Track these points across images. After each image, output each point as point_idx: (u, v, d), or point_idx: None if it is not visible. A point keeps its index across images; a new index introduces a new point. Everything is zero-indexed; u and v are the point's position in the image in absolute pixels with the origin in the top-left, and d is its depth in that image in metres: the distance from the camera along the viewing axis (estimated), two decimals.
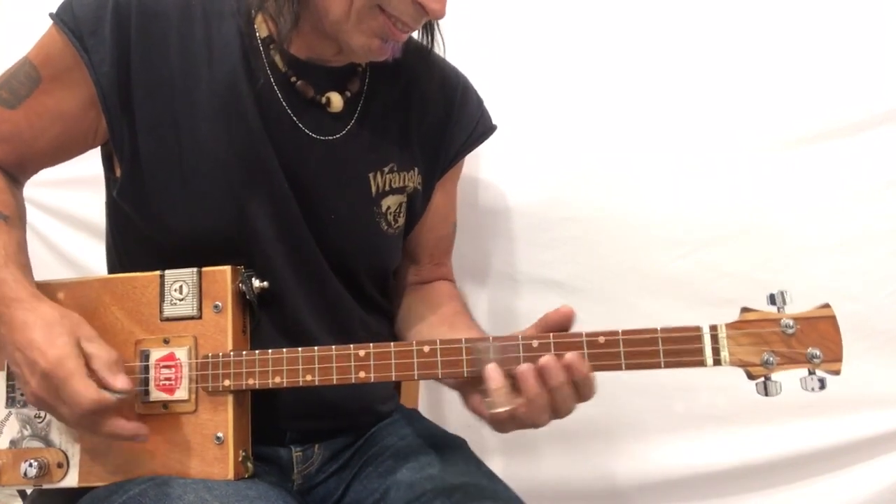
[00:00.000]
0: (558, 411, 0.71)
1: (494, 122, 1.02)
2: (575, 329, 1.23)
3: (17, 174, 0.88)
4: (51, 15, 0.84)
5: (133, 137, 0.82)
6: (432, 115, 0.95)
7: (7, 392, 0.82)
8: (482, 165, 1.23)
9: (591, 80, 1.21)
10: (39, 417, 0.81)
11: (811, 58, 1.11)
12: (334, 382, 0.75)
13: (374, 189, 0.90)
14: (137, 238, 0.87)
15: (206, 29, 0.84)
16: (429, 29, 0.89)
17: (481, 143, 1.01)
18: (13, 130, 0.84)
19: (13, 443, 0.81)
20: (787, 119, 1.12)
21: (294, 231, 0.86)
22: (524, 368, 0.70)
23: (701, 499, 1.21)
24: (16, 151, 0.85)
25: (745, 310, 0.72)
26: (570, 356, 0.70)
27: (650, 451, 1.22)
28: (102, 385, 0.72)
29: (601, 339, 0.72)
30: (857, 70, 1.08)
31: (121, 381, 0.72)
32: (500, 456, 1.24)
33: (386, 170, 0.91)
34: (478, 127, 0.99)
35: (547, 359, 0.70)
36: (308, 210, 0.86)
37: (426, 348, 0.74)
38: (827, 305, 0.71)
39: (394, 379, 0.75)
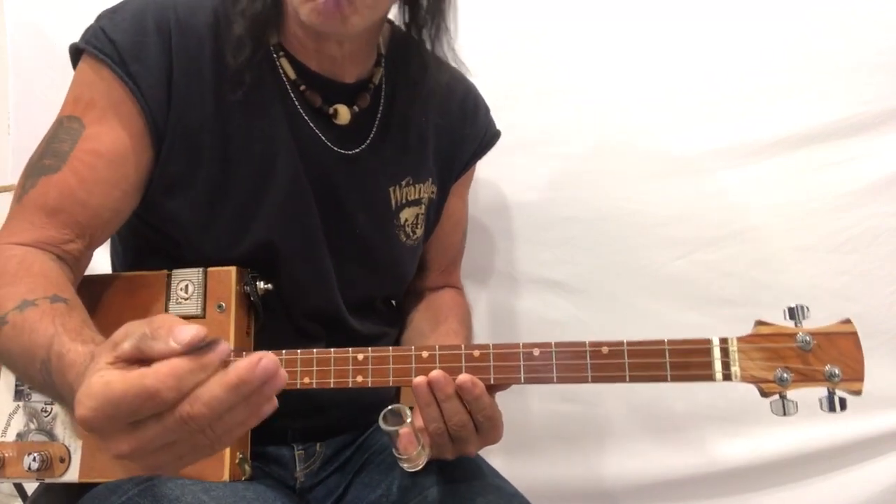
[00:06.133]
0: (449, 423, 0.72)
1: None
2: (577, 329, 1.23)
3: (84, 248, 0.78)
4: (80, 47, 0.78)
5: (166, 159, 0.79)
6: (447, 127, 0.96)
7: (16, 385, 0.82)
8: (482, 165, 1.22)
9: (591, 80, 1.21)
10: (46, 412, 0.80)
11: (811, 57, 1.11)
12: (331, 386, 0.74)
13: (393, 202, 0.91)
14: (148, 245, 0.85)
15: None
16: (436, 34, 0.87)
17: (489, 150, 1.02)
18: (62, 194, 0.75)
19: (19, 436, 0.81)
20: (787, 119, 1.12)
21: (313, 246, 0.85)
22: (417, 381, 0.71)
23: (700, 499, 1.21)
24: (71, 219, 0.76)
25: (759, 323, 0.68)
26: (460, 377, 0.70)
27: (650, 452, 1.22)
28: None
29: (605, 350, 0.69)
30: (857, 70, 1.08)
31: (180, 336, 0.47)
32: (500, 455, 1.24)
33: (403, 183, 0.91)
34: (486, 135, 1.01)
35: (436, 372, 0.71)
36: (329, 224, 0.85)
37: (425, 354, 0.73)
38: (848, 321, 0.67)
39: (391, 384, 0.74)
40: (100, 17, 0.80)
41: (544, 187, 1.23)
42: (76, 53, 0.80)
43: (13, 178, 1.51)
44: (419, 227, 0.94)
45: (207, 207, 0.81)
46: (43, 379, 0.62)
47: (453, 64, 0.91)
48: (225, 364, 0.47)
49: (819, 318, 1.10)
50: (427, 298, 1.03)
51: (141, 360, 0.48)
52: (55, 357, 0.60)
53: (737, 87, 1.14)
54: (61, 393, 0.60)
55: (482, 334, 1.25)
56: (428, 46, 0.88)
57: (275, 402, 0.48)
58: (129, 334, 0.50)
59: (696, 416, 1.19)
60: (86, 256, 0.79)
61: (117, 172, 0.77)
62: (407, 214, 0.92)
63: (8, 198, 1.55)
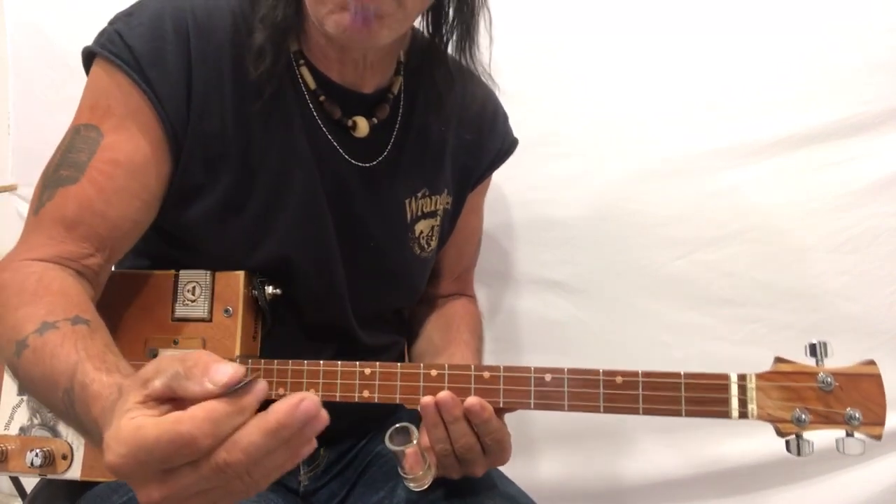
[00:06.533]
0: (456, 444, 0.72)
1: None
2: (577, 329, 1.23)
3: (103, 262, 0.75)
4: (94, 51, 0.75)
5: (184, 168, 0.77)
6: (465, 138, 0.93)
7: None
8: None
9: (590, 80, 1.21)
10: None
11: (811, 57, 1.11)
12: (337, 399, 0.73)
13: (408, 215, 0.89)
14: (158, 252, 0.84)
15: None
16: (463, 46, 0.84)
17: (506, 159, 0.99)
18: (81, 205, 0.73)
19: (22, 430, 0.81)
20: (787, 119, 1.12)
21: (328, 260, 0.84)
22: (426, 401, 0.71)
23: (701, 499, 1.21)
24: (91, 232, 0.73)
25: (778, 360, 0.66)
26: (469, 400, 0.70)
27: (650, 451, 1.22)
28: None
29: (619, 380, 0.67)
30: (857, 70, 1.08)
31: (216, 376, 0.44)
32: None
33: (419, 195, 0.89)
34: (504, 144, 0.98)
35: (444, 393, 0.70)
36: (344, 238, 0.84)
37: (433, 372, 0.72)
38: (872, 362, 0.65)
39: (398, 401, 0.74)
40: (114, 21, 0.77)
41: (544, 187, 1.23)
42: (89, 57, 0.77)
43: (13, 178, 1.52)
44: (433, 238, 0.92)
45: (223, 218, 0.79)
46: (65, 408, 0.59)
47: (483, 78, 0.89)
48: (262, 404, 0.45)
49: (819, 318, 1.11)
50: (439, 307, 1.01)
51: (172, 399, 0.45)
52: (78, 387, 0.57)
53: (737, 88, 1.14)
54: (85, 425, 0.57)
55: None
56: (455, 57, 0.85)
57: (314, 444, 0.46)
58: (161, 371, 0.46)
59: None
60: (105, 270, 0.77)
61: (137, 182, 0.75)
62: (422, 227, 0.90)
63: (8, 198, 1.55)
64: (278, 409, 0.43)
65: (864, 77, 1.08)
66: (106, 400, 0.54)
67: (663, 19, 1.17)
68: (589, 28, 1.20)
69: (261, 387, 0.45)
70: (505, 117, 1.00)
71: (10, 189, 1.51)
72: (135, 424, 0.44)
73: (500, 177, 1.18)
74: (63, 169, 0.74)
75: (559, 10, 1.22)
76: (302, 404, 0.43)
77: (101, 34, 0.76)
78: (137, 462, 0.44)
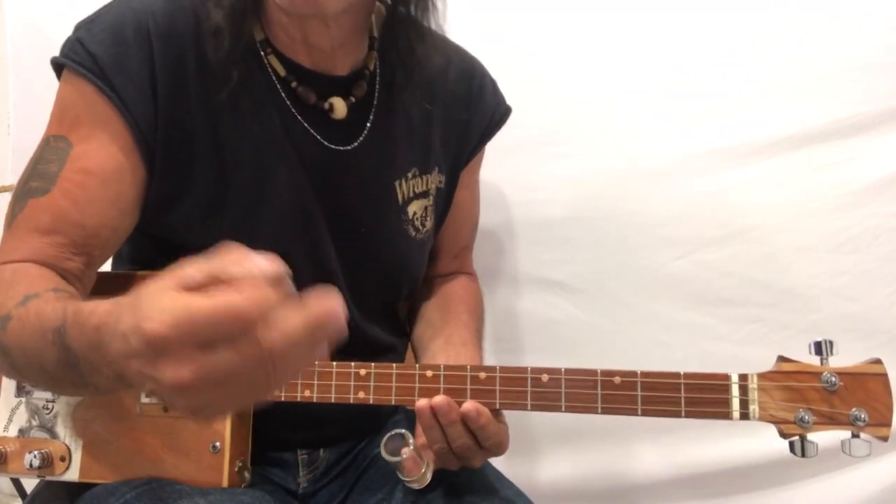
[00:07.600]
0: (453, 444, 0.72)
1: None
2: (577, 329, 1.23)
3: (83, 268, 0.74)
4: (59, 61, 0.75)
5: (160, 172, 0.76)
6: (452, 110, 0.91)
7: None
8: (483, 166, 1.22)
9: (590, 80, 1.20)
10: (47, 409, 0.80)
11: (811, 57, 1.11)
12: (332, 401, 0.73)
13: (399, 197, 0.87)
14: (147, 256, 0.83)
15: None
16: (423, 13, 0.82)
17: (500, 128, 0.97)
18: (55, 217, 0.71)
19: (21, 431, 0.81)
20: (787, 119, 1.12)
21: (321, 252, 0.83)
22: (420, 404, 0.71)
23: (701, 498, 1.21)
24: (67, 240, 0.72)
25: (781, 359, 0.65)
26: (465, 406, 0.70)
27: (650, 451, 1.22)
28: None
29: (617, 380, 0.67)
30: (857, 70, 1.08)
31: (262, 265, 0.42)
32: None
33: (409, 175, 0.87)
34: (496, 114, 0.96)
35: (440, 398, 0.70)
36: (335, 226, 0.83)
37: (429, 373, 0.72)
38: (878, 361, 0.63)
39: (393, 402, 0.73)
40: (77, 28, 0.76)
41: (544, 187, 1.23)
42: (58, 67, 0.77)
43: (13, 178, 1.52)
44: (428, 219, 0.91)
45: (206, 218, 0.78)
46: (57, 353, 0.54)
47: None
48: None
49: (819, 318, 1.11)
50: (438, 286, 0.99)
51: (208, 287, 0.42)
52: (71, 316, 0.54)
53: (737, 88, 1.14)
54: (79, 350, 0.52)
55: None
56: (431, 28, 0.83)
57: (326, 348, 0.44)
58: (195, 265, 0.43)
59: None
60: (87, 276, 0.75)
61: (112, 191, 0.74)
62: (415, 208, 0.89)
63: (8, 197, 1.55)
64: (314, 302, 0.42)
65: (865, 77, 1.08)
66: (107, 311, 0.49)
67: (665, 19, 1.17)
68: (590, 28, 1.20)
69: (290, 284, 0.43)
70: (493, 85, 0.97)
71: (10, 189, 1.51)
72: (181, 298, 0.41)
73: (499, 176, 1.18)
74: (32, 180, 0.73)
75: (560, 10, 1.22)
76: (332, 300, 0.42)
77: (66, 43, 0.76)
78: (180, 333, 0.40)
